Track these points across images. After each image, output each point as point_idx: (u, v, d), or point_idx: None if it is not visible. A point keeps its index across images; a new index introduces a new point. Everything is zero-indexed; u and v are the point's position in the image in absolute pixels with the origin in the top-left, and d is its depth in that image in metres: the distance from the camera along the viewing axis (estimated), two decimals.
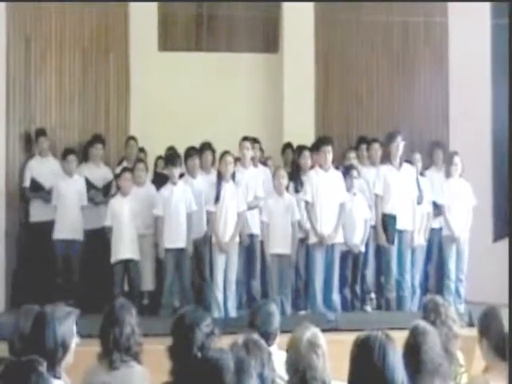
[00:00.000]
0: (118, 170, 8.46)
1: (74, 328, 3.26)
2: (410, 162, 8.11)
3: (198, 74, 9.69)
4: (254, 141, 8.43)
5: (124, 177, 7.83)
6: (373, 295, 8.12)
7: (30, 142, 8.73)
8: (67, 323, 3.22)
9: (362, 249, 7.97)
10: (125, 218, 7.71)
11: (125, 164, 8.60)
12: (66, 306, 3.36)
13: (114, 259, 7.67)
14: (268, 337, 3.93)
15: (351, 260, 7.92)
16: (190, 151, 8.07)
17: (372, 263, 8.16)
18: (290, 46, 9.84)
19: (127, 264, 7.70)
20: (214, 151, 8.12)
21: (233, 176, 7.60)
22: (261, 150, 9.03)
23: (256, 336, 3.31)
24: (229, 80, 9.74)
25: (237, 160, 7.87)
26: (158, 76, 9.47)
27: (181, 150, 8.32)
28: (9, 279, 8.35)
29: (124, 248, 7.67)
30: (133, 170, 8.04)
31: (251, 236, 7.83)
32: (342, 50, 10.08)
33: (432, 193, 8.12)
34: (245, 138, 7.95)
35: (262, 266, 7.80)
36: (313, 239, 7.55)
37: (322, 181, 7.60)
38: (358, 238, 7.90)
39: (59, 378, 3.14)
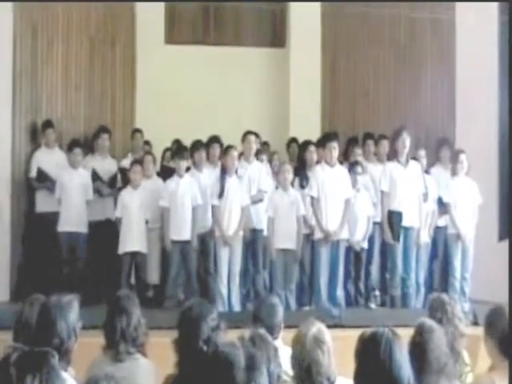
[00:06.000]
0: (124, 162, 8.47)
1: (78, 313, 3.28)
2: (415, 158, 8.08)
3: (204, 68, 9.64)
4: (255, 135, 8.41)
5: (134, 169, 7.84)
6: (377, 292, 8.10)
7: (36, 133, 8.72)
8: (74, 310, 3.23)
9: (365, 245, 7.96)
10: (134, 210, 7.71)
11: (130, 156, 8.60)
12: (67, 295, 3.35)
13: (121, 250, 7.68)
14: (272, 330, 3.95)
15: (354, 256, 7.92)
16: (197, 144, 8.05)
17: (377, 260, 8.14)
18: (297, 40, 9.81)
19: (134, 256, 7.71)
20: (221, 145, 8.07)
21: (235, 170, 7.58)
22: (266, 144, 9.02)
23: (262, 331, 3.30)
24: (235, 74, 9.70)
25: (240, 154, 7.85)
26: (164, 69, 9.42)
27: (186, 143, 8.30)
28: (14, 269, 8.35)
29: (132, 240, 7.67)
30: (141, 163, 8.03)
31: (254, 231, 7.80)
32: (349, 45, 10.06)
33: (438, 190, 8.10)
34: (249, 132, 7.92)
35: (267, 261, 7.79)
36: (318, 235, 7.53)
37: (328, 176, 7.57)
38: (360, 235, 7.89)
39: (65, 370, 3.13)
